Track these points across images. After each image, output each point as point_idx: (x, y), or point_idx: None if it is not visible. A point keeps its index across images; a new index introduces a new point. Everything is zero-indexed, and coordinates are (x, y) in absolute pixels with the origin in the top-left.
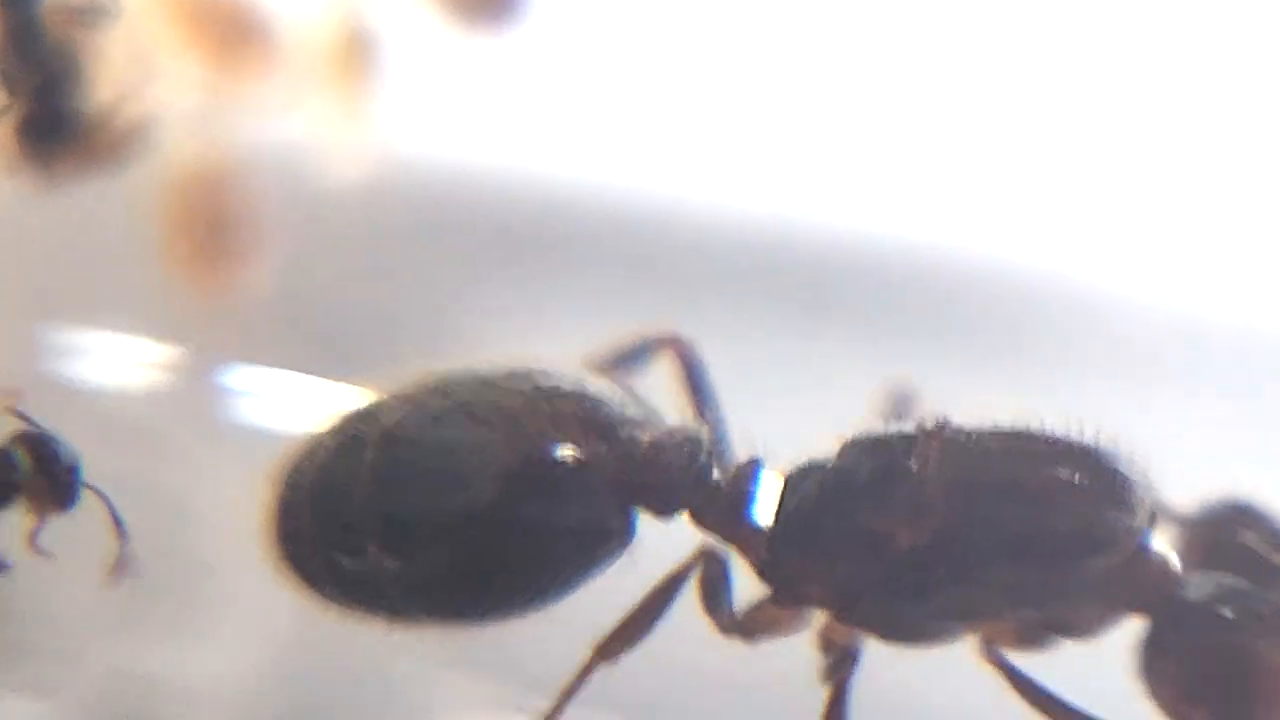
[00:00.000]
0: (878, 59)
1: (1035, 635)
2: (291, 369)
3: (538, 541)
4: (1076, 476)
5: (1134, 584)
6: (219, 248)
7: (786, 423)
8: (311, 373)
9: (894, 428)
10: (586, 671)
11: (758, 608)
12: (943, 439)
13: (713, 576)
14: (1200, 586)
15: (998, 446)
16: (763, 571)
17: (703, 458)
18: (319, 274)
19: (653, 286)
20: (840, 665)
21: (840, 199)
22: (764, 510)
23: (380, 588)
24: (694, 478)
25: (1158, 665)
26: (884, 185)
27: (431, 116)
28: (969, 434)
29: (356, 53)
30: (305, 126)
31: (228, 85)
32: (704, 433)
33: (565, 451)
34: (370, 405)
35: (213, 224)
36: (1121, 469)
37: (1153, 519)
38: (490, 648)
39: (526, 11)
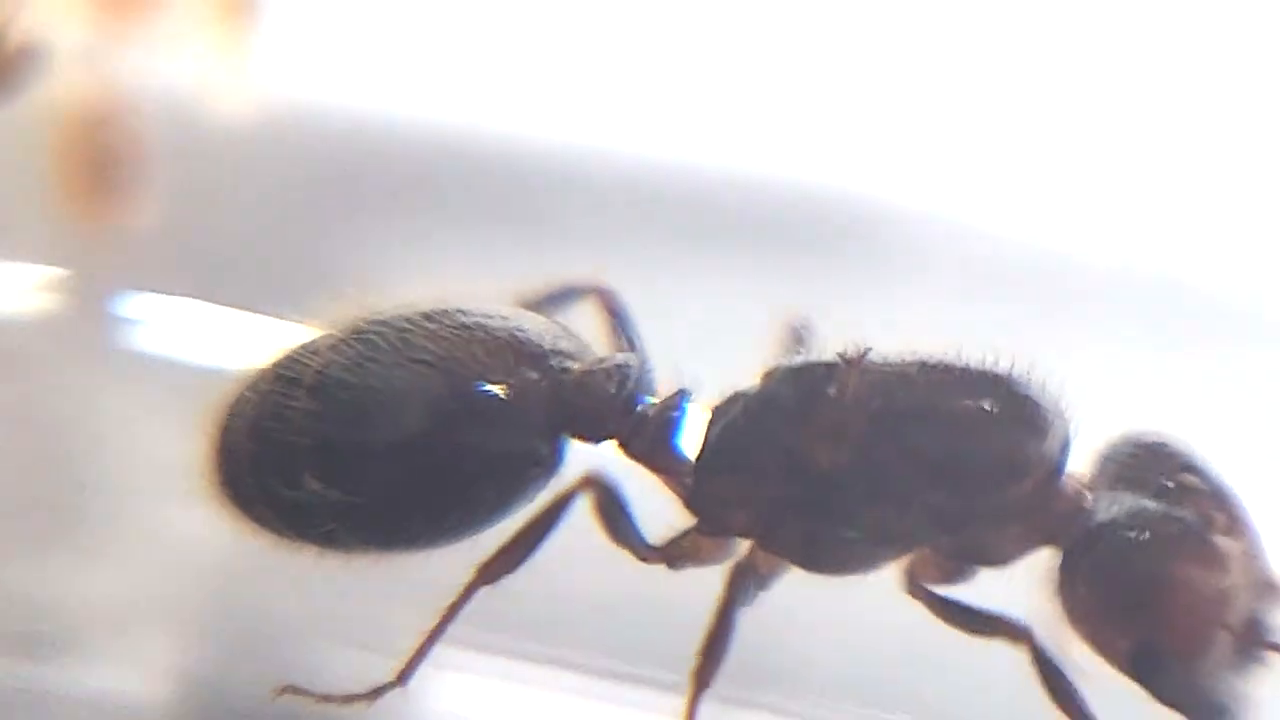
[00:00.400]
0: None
1: (955, 565)
2: (179, 295)
3: (468, 468)
4: (992, 403)
5: (1048, 511)
6: (105, 180)
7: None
8: (199, 299)
9: (815, 357)
10: (467, 592)
11: (682, 536)
12: (862, 366)
13: (605, 503)
14: (1109, 510)
15: (916, 374)
16: (688, 500)
17: (631, 386)
18: (204, 205)
19: (540, 226)
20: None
21: (730, 138)
22: (690, 441)
23: (314, 516)
24: (621, 405)
25: (1072, 592)
26: (773, 124)
27: (313, 51)
28: (888, 362)
29: None
30: (190, 63)
31: (114, 23)
32: (633, 362)
33: (495, 378)
34: (306, 342)
35: (99, 157)
36: (1036, 397)
37: (1066, 447)
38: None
39: None
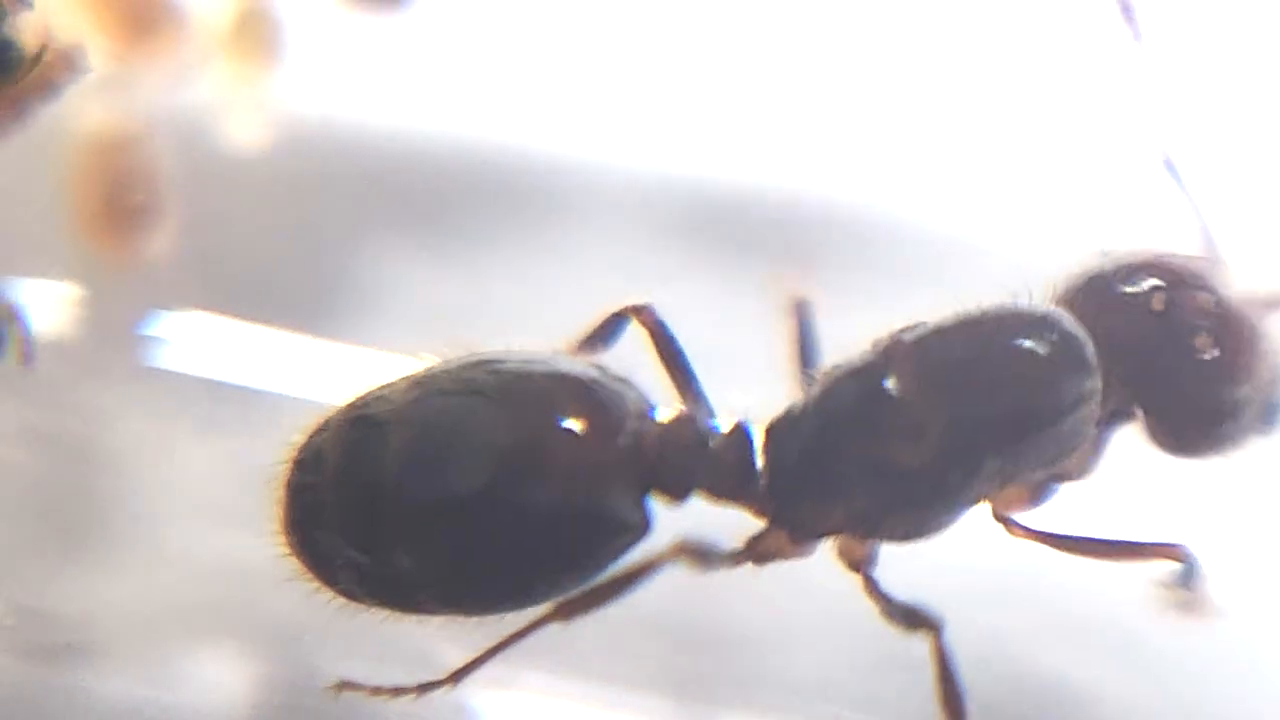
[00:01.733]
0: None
1: (1043, 489)
2: (198, 313)
3: (560, 544)
4: (1033, 341)
5: (1106, 402)
6: (124, 206)
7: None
8: (217, 317)
9: (859, 359)
10: (539, 624)
11: (767, 535)
12: (906, 351)
13: (701, 564)
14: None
15: (956, 339)
16: (774, 520)
17: (704, 434)
18: (222, 228)
19: (549, 240)
20: (867, 566)
21: (734, 154)
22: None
23: (402, 588)
24: (700, 456)
25: (1174, 431)
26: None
27: (330, 78)
28: (926, 337)
29: (257, 22)
30: (207, 89)
31: (131, 50)
32: (698, 410)
33: (583, 449)
34: (380, 392)
35: (118, 183)
36: (1053, 315)
37: (1096, 352)
38: None
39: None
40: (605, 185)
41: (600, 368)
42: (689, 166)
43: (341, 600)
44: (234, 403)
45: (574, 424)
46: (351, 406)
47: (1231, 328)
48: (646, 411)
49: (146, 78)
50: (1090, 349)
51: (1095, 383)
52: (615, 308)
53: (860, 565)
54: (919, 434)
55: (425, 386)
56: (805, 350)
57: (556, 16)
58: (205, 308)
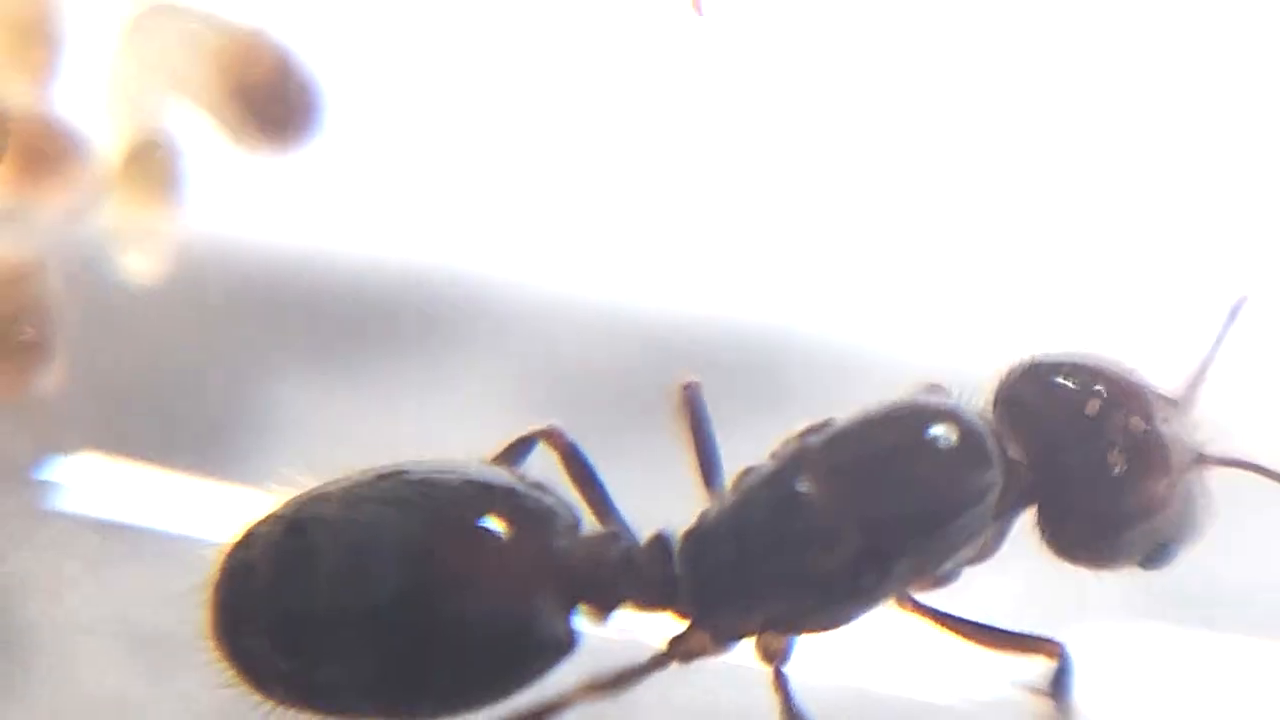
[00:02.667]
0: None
1: (948, 575)
2: (94, 454)
3: (486, 653)
4: (933, 439)
5: (1013, 496)
6: (18, 344)
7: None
8: (119, 458)
9: (765, 464)
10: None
11: (690, 635)
12: (813, 457)
13: (615, 692)
14: (1054, 461)
15: (859, 442)
16: (695, 624)
17: (627, 549)
18: (120, 366)
19: (456, 367)
20: (781, 660)
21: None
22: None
23: (325, 691)
24: (626, 571)
25: (1062, 536)
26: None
27: (228, 209)
28: (830, 441)
29: (153, 153)
30: (105, 225)
31: (29, 186)
32: (619, 526)
33: (510, 565)
34: (312, 500)
35: (11, 321)
36: (960, 412)
37: (996, 434)
38: None
39: (309, 132)
40: (513, 308)
41: (526, 479)
42: (600, 288)
43: (272, 706)
44: (126, 541)
45: (504, 537)
46: (281, 516)
47: (1154, 460)
48: (574, 524)
49: (42, 210)
50: (989, 442)
51: (995, 476)
52: (524, 431)
53: (775, 658)
54: (831, 539)
55: (357, 495)
56: (705, 451)
57: (464, 139)
58: (99, 446)
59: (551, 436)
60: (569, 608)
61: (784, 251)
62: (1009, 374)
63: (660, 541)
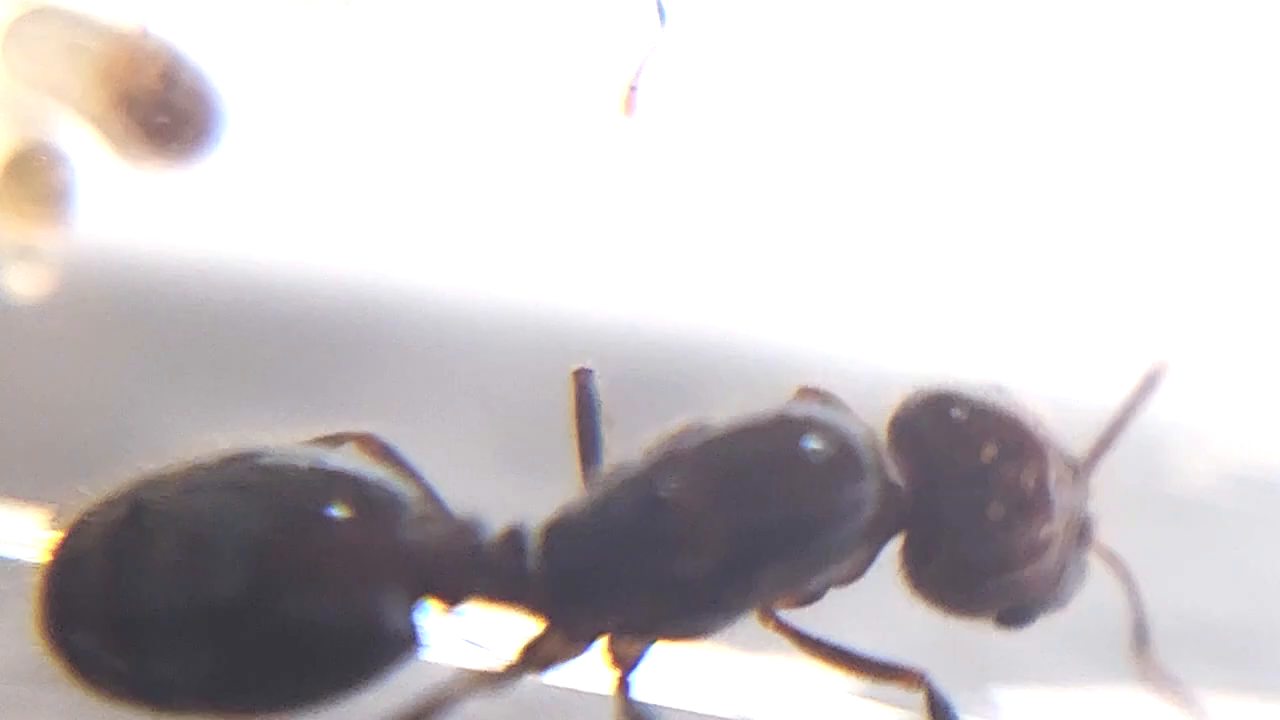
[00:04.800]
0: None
1: (813, 594)
2: None
3: (324, 647)
4: (807, 448)
5: (886, 521)
6: None
7: None
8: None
9: (633, 462)
10: None
11: (544, 639)
12: (681, 458)
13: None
14: (932, 497)
15: (730, 446)
16: (552, 622)
17: (477, 539)
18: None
19: (352, 371)
20: (629, 667)
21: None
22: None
23: (157, 686)
24: (475, 562)
25: (920, 574)
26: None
27: (115, 224)
28: (701, 444)
29: (35, 165)
30: None
31: None
32: (474, 516)
33: (349, 549)
34: (146, 487)
35: None
36: (841, 427)
37: (877, 452)
38: None
39: (206, 145)
40: (413, 315)
41: (369, 468)
42: (511, 298)
43: (102, 700)
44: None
45: (347, 525)
46: (113, 504)
47: (1033, 519)
48: (423, 515)
49: None
50: (865, 459)
51: (867, 493)
52: (337, 432)
53: (624, 665)
54: (692, 544)
55: (192, 481)
56: (586, 443)
57: (360, 144)
58: None
59: (367, 443)
60: (414, 600)
61: (768, 264)
62: (912, 398)
63: (514, 534)
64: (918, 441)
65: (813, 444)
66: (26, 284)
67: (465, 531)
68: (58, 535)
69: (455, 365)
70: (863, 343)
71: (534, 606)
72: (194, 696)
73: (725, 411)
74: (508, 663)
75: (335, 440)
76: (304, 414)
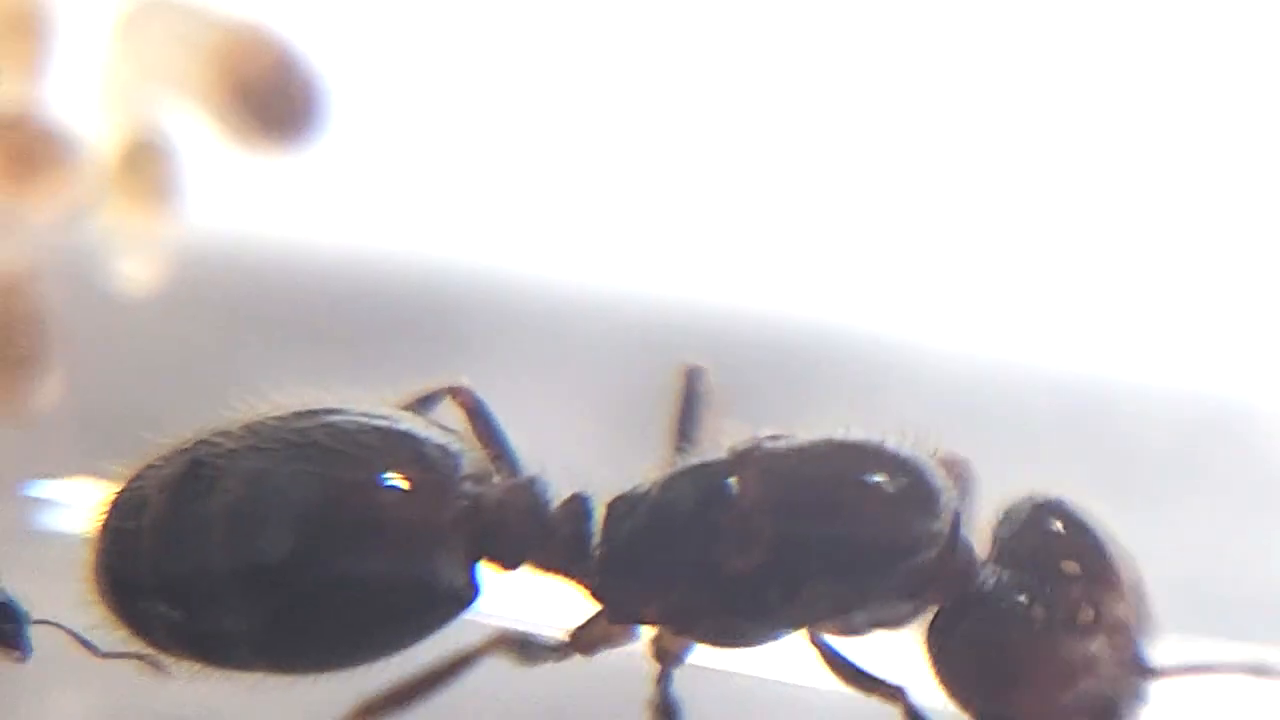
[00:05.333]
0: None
1: (857, 628)
2: (88, 475)
3: (382, 602)
4: (884, 478)
5: (942, 580)
6: (10, 358)
7: None
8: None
9: (710, 454)
10: None
11: (591, 623)
12: (759, 457)
13: (520, 653)
14: (991, 579)
15: (811, 458)
16: (597, 596)
17: (544, 503)
18: (116, 378)
19: (462, 356)
20: (666, 665)
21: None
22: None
23: (211, 638)
24: (540, 525)
25: (936, 648)
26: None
27: (228, 213)
28: (783, 449)
29: (149, 156)
30: (99, 231)
31: (19, 193)
32: (539, 475)
33: (410, 508)
34: (212, 437)
35: (4, 330)
36: (927, 472)
37: (958, 518)
38: None
39: (314, 131)
40: (525, 305)
41: (440, 426)
42: (614, 282)
43: (150, 650)
44: None
45: (404, 482)
46: (181, 452)
47: (1073, 645)
48: (482, 474)
49: (33, 217)
50: (944, 503)
51: (934, 537)
52: (434, 386)
53: (666, 660)
54: (745, 540)
55: (258, 436)
56: (683, 437)
57: (473, 132)
58: (95, 462)
59: (458, 394)
60: (471, 559)
61: (825, 245)
62: (1023, 501)
63: (577, 502)
64: (1008, 529)
65: (892, 475)
66: (142, 274)
67: (527, 493)
68: (118, 487)
69: (562, 352)
70: (970, 338)
71: (584, 579)
72: (247, 650)
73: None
74: (557, 642)
75: (431, 396)
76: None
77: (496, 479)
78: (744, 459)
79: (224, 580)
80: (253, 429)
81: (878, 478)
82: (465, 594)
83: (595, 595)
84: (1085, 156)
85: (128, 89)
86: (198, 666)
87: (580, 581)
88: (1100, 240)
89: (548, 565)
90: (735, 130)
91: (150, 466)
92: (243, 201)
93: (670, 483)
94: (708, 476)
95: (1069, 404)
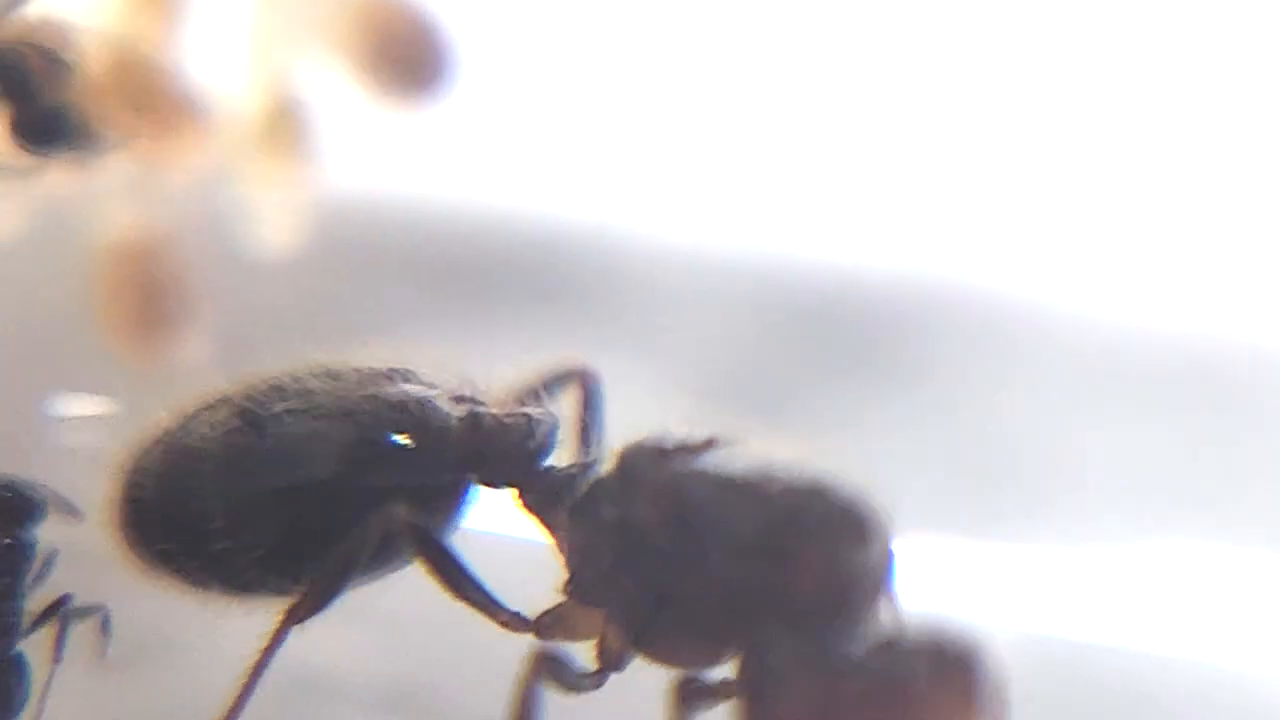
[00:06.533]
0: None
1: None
2: None
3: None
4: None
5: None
6: (156, 315)
7: None
8: None
9: (663, 437)
10: (276, 637)
11: (555, 605)
12: (692, 453)
13: (424, 545)
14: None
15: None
16: (565, 563)
17: (540, 439)
18: (258, 334)
19: (594, 317)
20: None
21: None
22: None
23: (229, 566)
24: (528, 456)
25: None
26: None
27: (364, 172)
28: (722, 460)
29: (286, 118)
30: (238, 194)
31: (161, 155)
32: (547, 418)
33: (411, 412)
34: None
35: (149, 292)
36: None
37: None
38: None
39: (449, 85)
40: (657, 265)
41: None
42: (749, 245)
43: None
44: None
45: (405, 391)
46: (228, 400)
47: None
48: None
49: (174, 179)
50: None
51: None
52: (563, 368)
53: (607, 661)
54: (666, 524)
55: (301, 388)
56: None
57: (606, 90)
58: None
59: (581, 374)
60: (462, 474)
61: (936, 204)
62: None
63: (587, 464)
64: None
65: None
66: (282, 232)
67: (525, 427)
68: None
69: (689, 312)
70: (1101, 301)
71: (556, 535)
72: (274, 574)
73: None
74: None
75: (559, 377)
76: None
77: (495, 410)
78: (682, 448)
79: (264, 505)
80: (297, 380)
81: (815, 519)
82: (449, 503)
83: (564, 563)
84: (1214, 127)
85: (267, 49)
86: (225, 596)
87: (556, 541)
88: (1238, 206)
89: (527, 505)
90: (854, 89)
91: (198, 413)
92: (380, 159)
93: (620, 454)
94: (643, 454)
95: (1194, 367)
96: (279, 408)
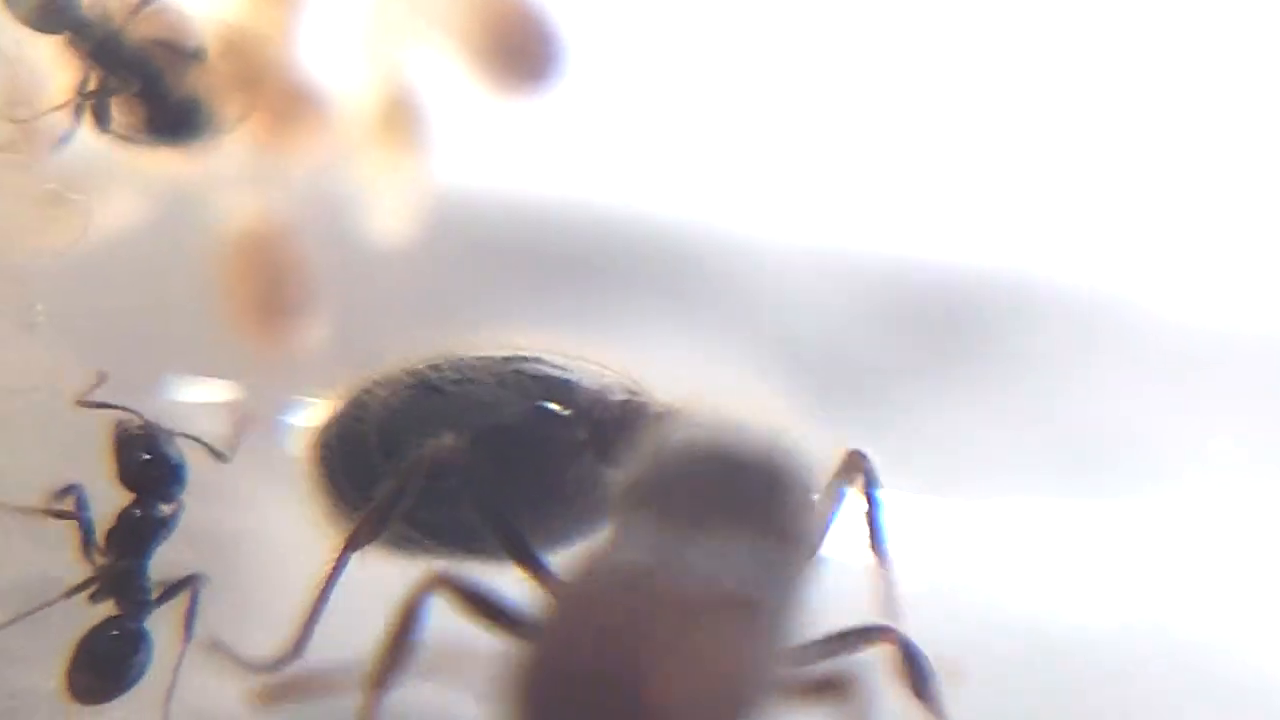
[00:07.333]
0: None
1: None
2: None
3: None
4: None
5: None
6: (277, 303)
7: None
8: None
9: None
10: (339, 563)
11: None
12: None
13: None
14: None
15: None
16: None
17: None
18: (377, 321)
19: (712, 318)
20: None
21: (897, 230)
22: None
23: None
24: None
25: None
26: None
27: (478, 161)
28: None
29: (402, 109)
30: (356, 183)
31: (280, 146)
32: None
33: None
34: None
35: (270, 280)
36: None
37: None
38: None
39: (559, 76)
40: (760, 261)
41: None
42: (856, 241)
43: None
44: None
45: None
46: (409, 372)
47: None
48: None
49: (294, 169)
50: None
51: None
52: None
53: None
54: None
55: (471, 368)
56: None
57: (717, 87)
58: None
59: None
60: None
61: (1017, 196)
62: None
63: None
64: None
65: None
66: (398, 223)
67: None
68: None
69: (782, 308)
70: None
71: None
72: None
73: None
74: None
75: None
76: (659, 344)
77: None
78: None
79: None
80: (468, 363)
81: None
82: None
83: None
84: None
85: (383, 41)
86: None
87: None
88: None
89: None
90: (948, 89)
91: (371, 386)
92: (491, 152)
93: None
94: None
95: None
96: (449, 375)
